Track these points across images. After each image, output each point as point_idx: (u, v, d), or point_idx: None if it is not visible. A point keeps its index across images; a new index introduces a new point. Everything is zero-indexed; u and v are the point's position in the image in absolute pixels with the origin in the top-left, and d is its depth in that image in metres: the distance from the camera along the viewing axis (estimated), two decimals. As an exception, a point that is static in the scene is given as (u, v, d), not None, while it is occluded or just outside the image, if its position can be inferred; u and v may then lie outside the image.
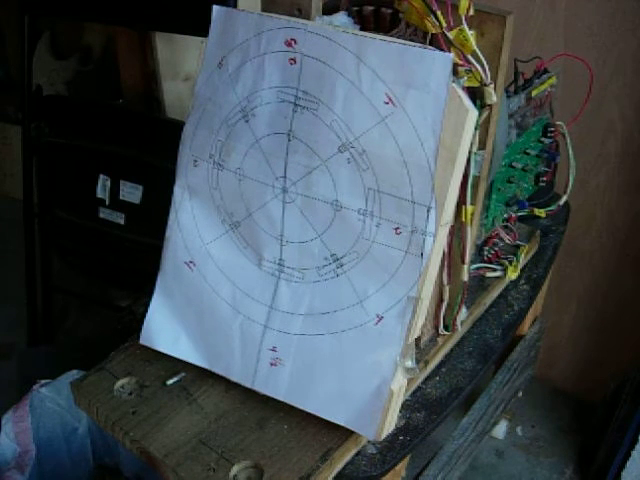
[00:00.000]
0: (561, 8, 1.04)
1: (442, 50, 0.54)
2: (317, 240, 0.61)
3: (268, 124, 0.61)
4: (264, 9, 0.63)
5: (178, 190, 0.68)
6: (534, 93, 0.82)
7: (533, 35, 1.07)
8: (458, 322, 0.73)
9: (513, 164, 0.82)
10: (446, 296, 0.69)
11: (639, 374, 1.11)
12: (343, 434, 0.63)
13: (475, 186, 0.64)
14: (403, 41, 0.54)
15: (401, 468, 0.71)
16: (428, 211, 0.56)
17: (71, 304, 1.42)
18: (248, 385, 0.67)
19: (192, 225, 0.68)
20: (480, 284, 0.82)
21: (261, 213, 0.63)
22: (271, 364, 0.65)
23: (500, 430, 1.22)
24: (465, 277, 0.68)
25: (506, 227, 0.87)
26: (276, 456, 0.62)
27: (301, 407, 0.65)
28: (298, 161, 0.60)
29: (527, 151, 0.85)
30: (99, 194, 1.17)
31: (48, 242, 1.27)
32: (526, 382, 1.11)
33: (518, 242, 0.86)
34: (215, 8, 0.63)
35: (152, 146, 1.11)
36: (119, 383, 0.69)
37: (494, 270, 0.82)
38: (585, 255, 1.19)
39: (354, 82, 0.56)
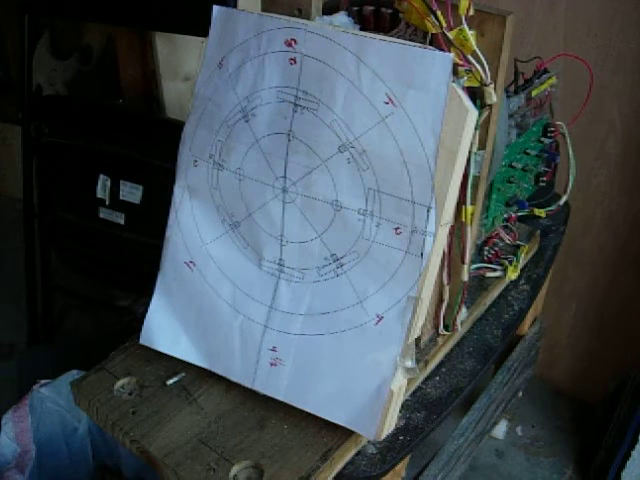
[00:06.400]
0: (561, 8, 1.04)
1: (442, 50, 0.54)
2: (317, 240, 0.61)
3: (268, 124, 0.61)
4: (264, 9, 0.63)
5: (178, 190, 0.68)
6: (534, 93, 0.82)
7: (533, 35, 1.07)
8: (458, 322, 0.73)
9: (513, 164, 0.82)
10: (446, 296, 0.69)
11: (639, 374, 1.11)
12: (343, 434, 0.63)
13: (475, 186, 0.64)
14: (403, 41, 0.54)
15: (401, 468, 0.71)
16: (428, 211, 0.56)
17: (71, 304, 1.42)
18: (248, 385, 0.67)
19: (192, 225, 0.68)
20: (480, 284, 0.82)
21: (261, 213, 0.63)
22: (271, 364, 0.65)
23: (500, 430, 1.22)
24: (465, 277, 0.68)
25: (506, 227, 0.87)
26: (276, 456, 0.62)
27: (301, 407, 0.65)
28: (298, 161, 0.60)
29: (527, 151, 0.85)
30: (99, 194, 1.17)
31: (48, 242, 1.27)
32: (526, 382, 1.11)
33: (518, 242, 0.86)
34: (215, 8, 0.63)
35: (152, 146, 1.10)
36: (119, 383, 0.69)
37: (494, 270, 0.82)
38: (585, 255, 1.19)
39: (354, 82, 0.56)
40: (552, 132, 0.87)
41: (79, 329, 1.41)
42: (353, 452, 0.65)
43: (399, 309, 0.59)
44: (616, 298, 1.19)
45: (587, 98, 0.89)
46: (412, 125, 0.55)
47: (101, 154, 1.16)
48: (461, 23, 0.55)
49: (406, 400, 0.70)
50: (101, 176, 1.16)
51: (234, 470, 0.61)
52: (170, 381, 0.69)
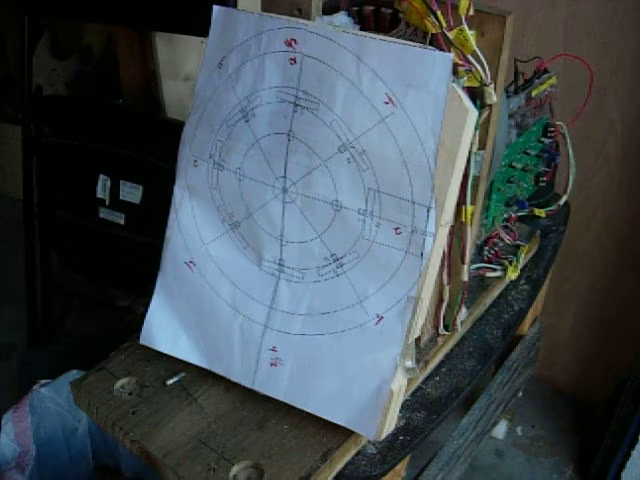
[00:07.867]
0: (561, 8, 1.04)
1: (442, 50, 0.55)
2: (317, 240, 0.61)
3: (268, 124, 0.61)
4: (264, 9, 0.63)
5: (178, 190, 0.68)
6: (534, 93, 0.82)
7: (533, 35, 1.07)
8: (458, 322, 0.73)
9: (513, 164, 0.82)
10: (446, 296, 0.69)
11: (639, 374, 1.11)
12: (343, 434, 0.63)
13: (475, 186, 0.64)
14: (403, 41, 0.54)
15: (401, 468, 0.71)
16: (428, 211, 0.56)
17: (71, 304, 1.42)
18: (248, 385, 0.67)
19: (192, 225, 0.68)
20: (480, 284, 0.82)
21: (261, 213, 0.63)
22: (271, 364, 0.65)
23: (500, 430, 1.22)
24: (465, 277, 0.68)
25: (506, 227, 0.87)
26: (276, 456, 0.62)
27: (301, 407, 0.65)
28: (298, 161, 0.60)
29: (527, 151, 0.85)
30: (99, 194, 1.17)
31: (48, 242, 1.27)
32: (526, 382, 1.11)
33: (518, 242, 0.86)
34: (215, 8, 0.63)
35: (152, 146, 1.10)
36: (119, 383, 0.69)
37: (494, 270, 0.82)
38: (585, 255, 1.19)
39: (354, 82, 0.56)
40: (552, 132, 0.87)
41: (79, 329, 1.41)
42: (353, 452, 0.65)
43: (399, 309, 0.59)
44: (616, 298, 1.19)
45: (587, 98, 0.89)
46: (412, 125, 0.55)
47: (101, 154, 1.16)
48: (461, 23, 0.55)
49: (406, 400, 0.70)
50: (101, 176, 1.17)
51: (234, 470, 0.61)
52: (170, 381, 0.69)
